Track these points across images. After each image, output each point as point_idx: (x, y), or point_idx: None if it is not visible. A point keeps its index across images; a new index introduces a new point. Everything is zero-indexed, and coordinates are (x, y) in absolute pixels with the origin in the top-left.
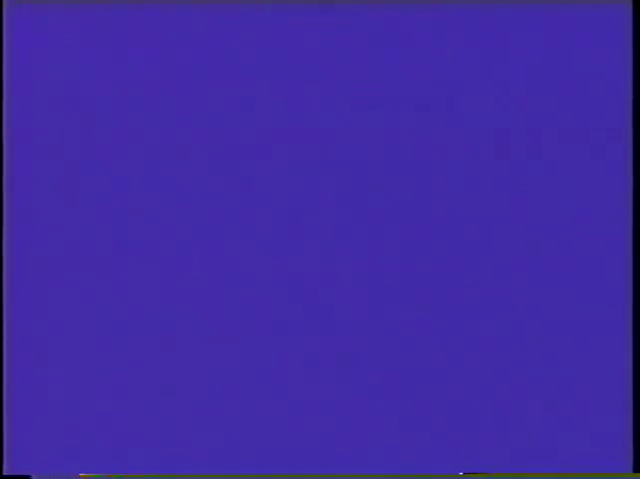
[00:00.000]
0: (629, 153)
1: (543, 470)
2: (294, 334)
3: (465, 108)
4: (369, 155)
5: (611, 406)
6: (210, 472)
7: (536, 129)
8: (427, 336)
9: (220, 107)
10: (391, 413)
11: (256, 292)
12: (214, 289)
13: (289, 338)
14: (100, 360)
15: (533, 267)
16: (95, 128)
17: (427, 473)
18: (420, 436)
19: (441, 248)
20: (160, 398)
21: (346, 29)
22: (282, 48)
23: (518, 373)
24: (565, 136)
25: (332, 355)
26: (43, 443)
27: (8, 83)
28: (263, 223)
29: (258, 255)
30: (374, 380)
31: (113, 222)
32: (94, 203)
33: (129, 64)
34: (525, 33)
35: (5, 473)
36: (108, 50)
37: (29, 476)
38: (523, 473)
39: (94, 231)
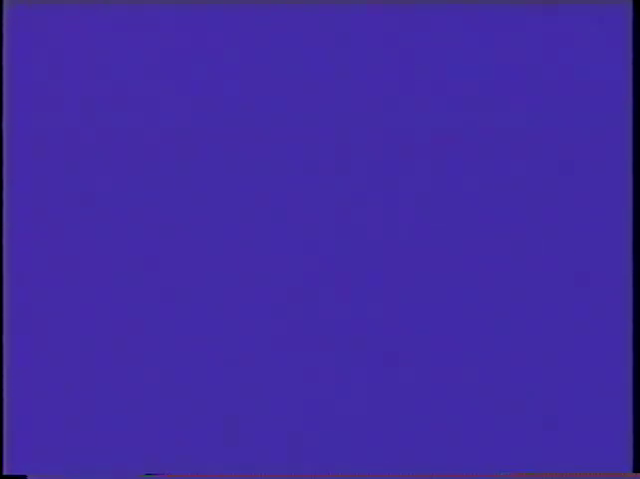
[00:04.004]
0: (629, 153)
1: (543, 470)
2: (293, 334)
3: (464, 108)
4: (368, 156)
5: (611, 406)
6: (210, 472)
7: (536, 129)
8: (426, 338)
9: (222, 108)
10: (391, 414)
11: (255, 294)
12: (214, 292)
13: (288, 339)
14: (100, 361)
15: (533, 268)
16: (95, 128)
17: (427, 473)
18: (420, 436)
19: (439, 251)
20: (160, 399)
21: (346, 29)
22: (281, 48)
23: (518, 373)
24: (565, 136)
25: (331, 356)
26: (43, 443)
27: (8, 83)
28: (263, 223)
29: (257, 257)
30: (373, 381)
31: (112, 223)
32: (94, 203)
33: (129, 64)
34: (525, 33)
35: (5, 473)
36: (108, 50)
37: (25, 476)
38: (523, 473)
39: (94, 233)
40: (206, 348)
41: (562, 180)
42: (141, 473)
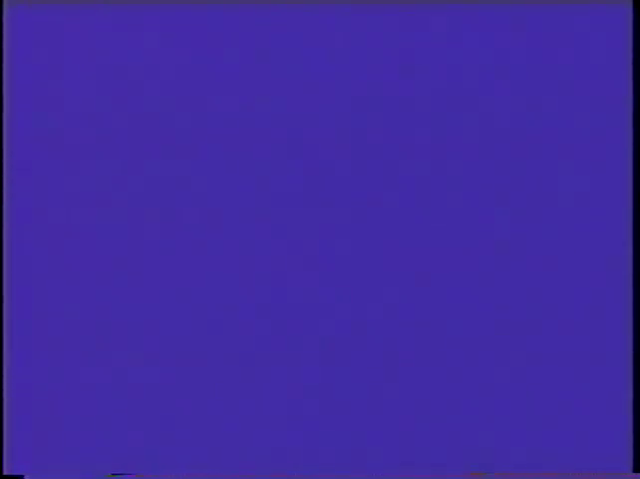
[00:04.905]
0: (629, 153)
1: (543, 470)
2: (293, 334)
3: (464, 108)
4: (367, 157)
5: (611, 406)
6: (210, 472)
7: (536, 129)
8: (426, 337)
9: (220, 108)
10: (390, 414)
11: (254, 295)
12: (214, 291)
13: (288, 338)
14: (100, 361)
15: (533, 268)
16: (95, 128)
17: (427, 473)
18: (420, 436)
19: (439, 250)
20: (160, 399)
21: (345, 29)
22: (281, 48)
23: (518, 373)
24: (565, 136)
25: (331, 355)
26: (42, 443)
27: (8, 83)
28: (261, 223)
29: (256, 258)
30: (373, 381)
31: (112, 223)
32: (94, 203)
33: (129, 63)
34: (525, 33)
35: (5, 473)
36: (108, 50)
37: (24, 476)
38: (523, 473)
39: (93, 232)
40: (206, 348)
41: (562, 179)
42: (141, 473)
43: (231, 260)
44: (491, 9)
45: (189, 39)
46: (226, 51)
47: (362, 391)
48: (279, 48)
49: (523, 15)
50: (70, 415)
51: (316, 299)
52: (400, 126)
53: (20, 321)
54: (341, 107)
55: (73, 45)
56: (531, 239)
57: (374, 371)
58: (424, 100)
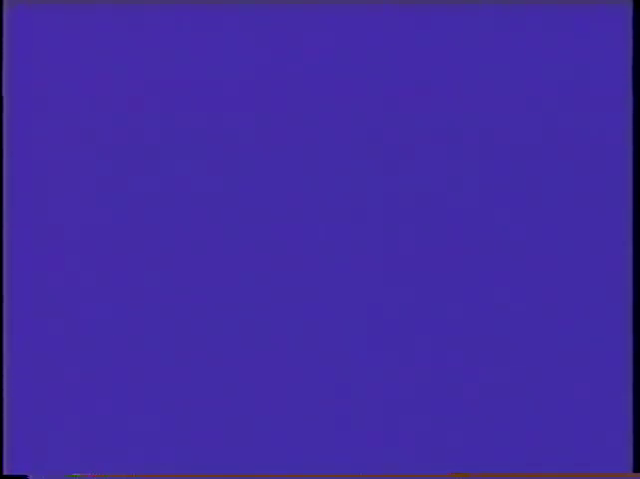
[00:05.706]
0: (629, 153)
1: (543, 470)
2: (294, 332)
3: (464, 108)
4: (367, 157)
5: (611, 406)
6: (210, 472)
7: (536, 129)
8: (426, 336)
9: (221, 108)
10: (389, 413)
11: (254, 293)
12: (214, 292)
13: (289, 337)
14: (100, 360)
15: (533, 268)
16: (95, 128)
17: (427, 473)
18: (420, 436)
19: (439, 251)
20: (160, 398)
21: (344, 28)
22: (282, 48)
23: (518, 373)
24: (565, 136)
25: (332, 354)
26: (43, 443)
27: (8, 83)
28: (258, 221)
29: (255, 255)
30: (373, 380)
31: (112, 222)
32: (94, 203)
33: (129, 64)
34: (525, 33)
35: (5, 473)
36: (108, 50)
37: (25, 476)
38: (523, 473)
39: (93, 233)
40: (205, 349)
41: (562, 179)
42: (141, 473)
43: (234, 260)
44: (490, 9)
45: (190, 39)
46: (227, 51)
47: (362, 391)
48: (281, 48)
49: (522, 15)
50: (70, 415)
51: (315, 300)
52: (400, 126)
53: (20, 320)
54: (339, 108)
55: (73, 45)
56: (531, 239)
57: (373, 372)
58: (423, 101)
